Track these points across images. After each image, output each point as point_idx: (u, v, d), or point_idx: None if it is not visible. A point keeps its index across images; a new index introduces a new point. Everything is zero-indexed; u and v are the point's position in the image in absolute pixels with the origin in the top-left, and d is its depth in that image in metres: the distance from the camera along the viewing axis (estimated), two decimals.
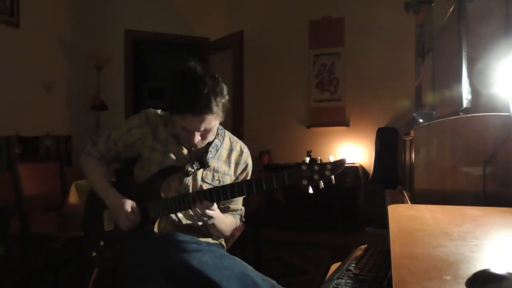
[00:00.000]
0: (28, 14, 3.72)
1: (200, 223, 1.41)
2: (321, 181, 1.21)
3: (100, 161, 1.54)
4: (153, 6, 4.85)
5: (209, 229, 1.47)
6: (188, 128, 1.34)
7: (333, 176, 1.21)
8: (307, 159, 1.24)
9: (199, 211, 1.32)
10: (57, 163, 2.86)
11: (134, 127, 1.48)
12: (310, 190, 1.22)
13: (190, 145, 1.41)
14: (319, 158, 1.24)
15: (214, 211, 1.35)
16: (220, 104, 1.33)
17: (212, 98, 1.29)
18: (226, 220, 1.49)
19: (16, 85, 3.61)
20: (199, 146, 1.43)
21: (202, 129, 1.33)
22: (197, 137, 1.36)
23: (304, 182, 1.22)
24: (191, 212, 1.40)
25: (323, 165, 1.21)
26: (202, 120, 1.31)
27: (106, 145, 1.53)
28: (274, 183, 1.25)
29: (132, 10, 4.80)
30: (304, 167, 1.22)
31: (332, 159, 1.21)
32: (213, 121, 1.34)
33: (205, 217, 1.33)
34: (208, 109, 1.29)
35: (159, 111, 1.51)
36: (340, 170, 1.21)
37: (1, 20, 3.48)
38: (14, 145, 3.54)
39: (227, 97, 1.36)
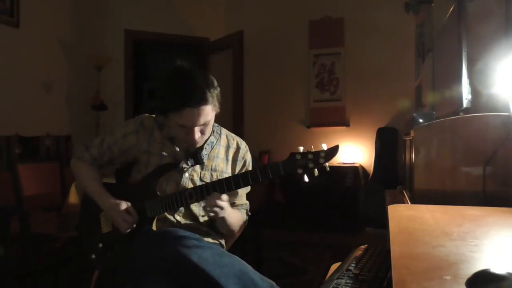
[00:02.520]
0: (28, 14, 3.72)
1: (211, 214, 1.40)
2: (316, 169, 1.24)
3: (92, 166, 1.54)
4: (153, 6, 4.85)
5: (218, 225, 1.47)
6: (186, 124, 1.34)
7: (327, 164, 1.24)
8: (301, 149, 1.25)
9: (211, 202, 1.32)
10: (57, 163, 2.86)
11: (129, 133, 1.48)
12: (306, 179, 1.24)
13: (190, 144, 1.41)
14: (312, 147, 1.26)
15: (224, 203, 1.35)
16: (214, 95, 1.35)
17: (205, 89, 1.31)
18: (234, 214, 1.49)
19: (16, 85, 3.61)
20: (199, 144, 1.43)
21: (201, 122, 1.34)
22: (197, 133, 1.36)
23: (299, 171, 1.24)
24: (192, 210, 1.41)
25: (317, 153, 1.24)
26: (199, 113, 1.31)
27: (100, 149, 1.53)
28: (270, 174, 1.27)
29: (132, 10, 4.80)
30: (298, 156, 1.24)
31: (325, 147, 1.23)
32: (210, 113, 1.35)
33: (217, 207, 1.33)
34: (204, 100, 1.30)
35: (153, 116, 1.52)
36: (333, 157, 1.23)
37: (1, 20, 3.48)
38: (14, 145, 3.54)
39: (218, 88, 1.38)
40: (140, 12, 4.81)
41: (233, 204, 1.55)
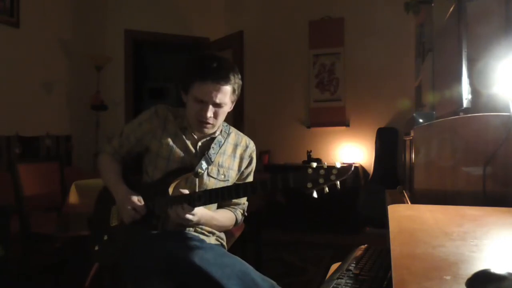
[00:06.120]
0: (28, 14, 3.72)
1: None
2: (326, 186, 1.20)
3: (113, 157, 1.58)
4: (153, 6, 4.85)
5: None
6: (204, 98, 1.38)
7: (338, 182, 1.20)
8: (314, 164, 1.23)
9: (178, 214, 1.32)
10: (57, 163, 2.86)
11: (144, 121, 1.52)
12: (315, 194, 1.21)
13: (201, 123, 1.43)
14: (325, 163, 1.23)
15: (194, 216, 1.35)
16: (237, 82, 1.43)
17: (230, 71, 1.39)
18: (219, 217, 1.50)
19: (16, 85, 3.61)
20: (208, 130, 1.46)
21: (217, 100, 1.38)
22: (210, 112, 1.40)
23: (309, 185, 1.21)
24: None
25: (329, 170, 1.20)
26: (219, 89, 1.37)
27: (120, 140, 1.57)
28: (279, 185, 1.25)
29: (132, 10, 4.79)
30: (310, 170, 1.21)
31: (338, 165, 1.20)
32: (228, 96, 1.41)
33: (184, 221, 1.34)
34: (227, 79, 1.38)
35: (168, 106, 1.55)
36: (345, 176, 1.19)
37: (1, 20, 3.48)
38: (14, 145, 3.54)
39: (241, 81, 1.46)
40: (140, 12, 4.81)
41: (229, 202, 1.56)
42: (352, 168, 1.20)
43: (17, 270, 2.47)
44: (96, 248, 1.51)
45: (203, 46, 5.03)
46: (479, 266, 0.60)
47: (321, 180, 1.20)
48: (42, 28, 3.92)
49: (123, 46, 4.77)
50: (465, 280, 0.56)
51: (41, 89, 3.95)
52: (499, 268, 0.57)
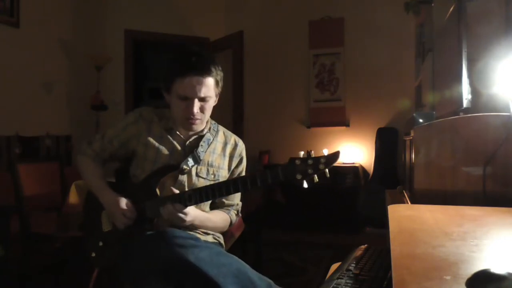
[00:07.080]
0: (28, 14, 3.72)
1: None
2: (315, 175, 1.21)
3: (95, 161, 1.54)
4: (152, 6, 4.85)
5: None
6: (187, 94, 1.36)
7: (327, 170, 1.21)
8: (301, 154, 1.24)
9: (170, 212, 1.32)
10: (57, 163, 2.86)
11: (129, 125, 1.50)
12: (305, 185, 1.22)
13: (188, 120, 1.41)
14: (312, 152, 1.24)
15: (187, 215, 1.34)
16: (219, 74, 1.41)
17: (212, 63, 1.38)
18: (214, 217, 1.49)
19: (16, 85, 3.61)
20: (196, 128, 1.44)
21: (202, 95, 1.36)
22: (196, 107, 1.38)
23: (299, 176, 1.22)
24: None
25: (317, 159, 1.22)
26: (202, 82, 1.35)
27: (101, 144, 1.53)
28: (269, 179, 1.25)
29: (132, 10, 4.79)
30: (298, 162, 1.23)
31: (326, 152, 1.22)
32: (211, 89, 1.39)
33: (177, 220, 1.34)
34: (209, 71, 1.36)
35: (152, 108, 1.53)
36: (334, 163, 1.21)
37: (1, 20, 3.48)
38: (14, 145, 3.54)
39: (222, 73, 1.44)
40: (140, 12, 4.81)
41: (222, 204, 1.55)
42: (339, 154, 1.21)
43: (17, 270, 2.47)
44: (93, 254, 1.50)
45: (203, 46, 5.03)
46: (479, 266, 0.60)
47: (310, 170, 1.21)
48: (42, 28, 3.92)
49: (123, 46, 4.77)
50: (465, 280, 0.56)
51: (41, 89, 3.95)
52: (499, 268, 0.57)
